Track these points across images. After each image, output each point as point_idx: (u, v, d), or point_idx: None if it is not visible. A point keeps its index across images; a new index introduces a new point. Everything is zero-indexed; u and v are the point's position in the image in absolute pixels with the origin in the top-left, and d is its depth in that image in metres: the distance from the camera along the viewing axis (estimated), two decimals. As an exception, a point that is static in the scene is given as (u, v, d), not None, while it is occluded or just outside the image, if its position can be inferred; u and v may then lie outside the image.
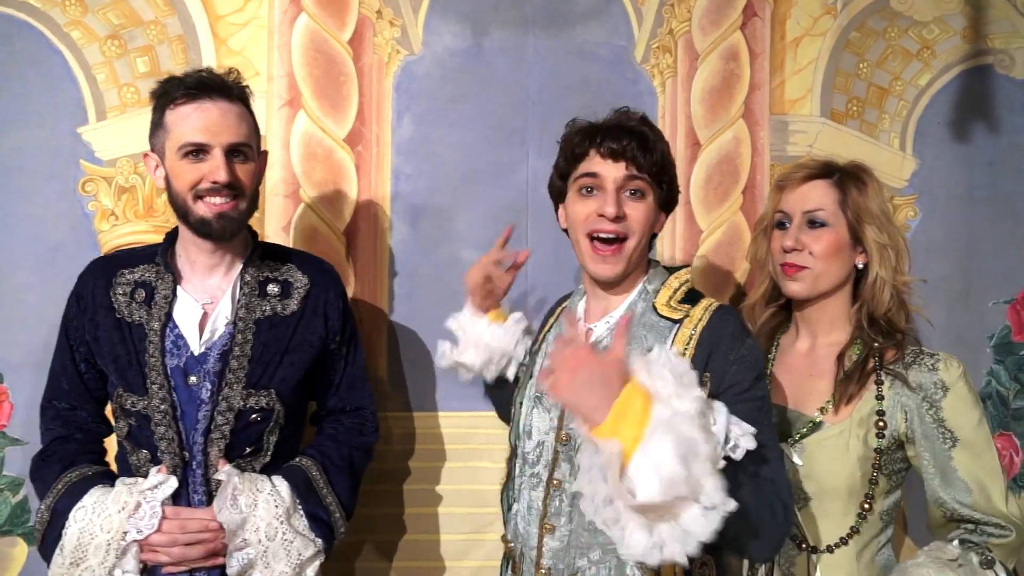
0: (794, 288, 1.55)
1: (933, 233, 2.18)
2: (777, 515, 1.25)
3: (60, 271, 1.92)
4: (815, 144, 2.16)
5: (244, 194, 1.53)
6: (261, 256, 1.64)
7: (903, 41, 2.20)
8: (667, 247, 2.13)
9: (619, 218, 1.38)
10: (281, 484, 1.53)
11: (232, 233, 1.54)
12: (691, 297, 1.43)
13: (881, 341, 1.49)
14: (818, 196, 1.53)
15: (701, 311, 1.39)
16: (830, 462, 1.44)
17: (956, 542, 1.40)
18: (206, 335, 1.55)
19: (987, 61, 2.20)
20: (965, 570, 1.36)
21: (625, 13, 2.11)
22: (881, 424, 1.44)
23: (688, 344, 1.35)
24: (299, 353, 1.62)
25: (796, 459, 1.46)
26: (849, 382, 1.47)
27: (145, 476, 1.51)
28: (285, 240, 2.01)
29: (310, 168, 2.02)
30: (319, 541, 1.53)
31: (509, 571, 1.53)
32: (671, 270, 1.51)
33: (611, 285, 1.46)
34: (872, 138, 2.19)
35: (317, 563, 1.52)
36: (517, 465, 1.52)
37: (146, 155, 1.58)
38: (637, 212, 1.40)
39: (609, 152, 1.39)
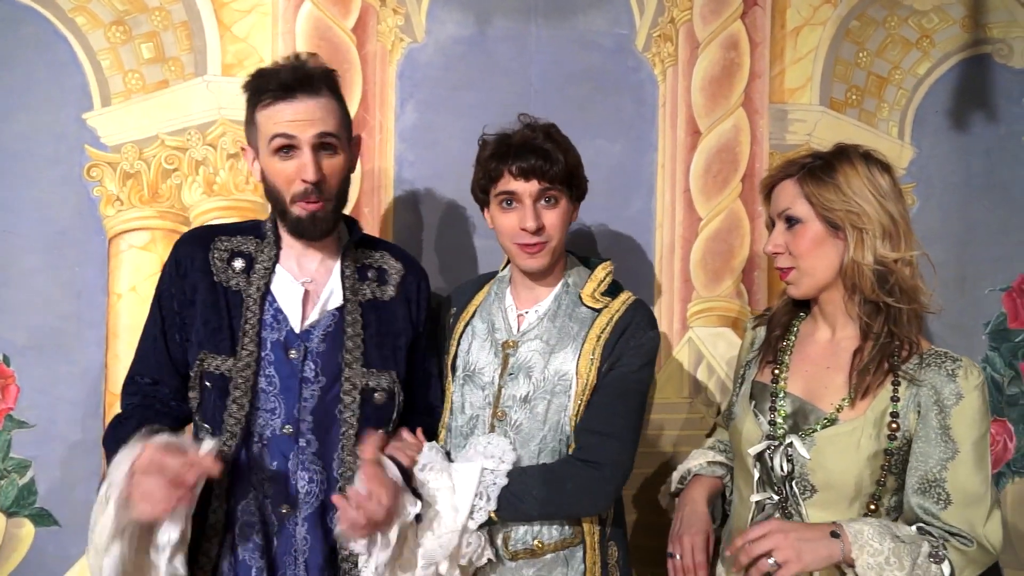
0: (792, 292, 1.55)
1: (930, 221, 2.20)
2: (585, 482, 1.52)
3: (66, 255, 1.94)
4: (814, 133, 2.18)
5: (331, 195, 1.54)
6: (356, 244, 1.67)
7: (902, 30, 2.21)
8: (667, 234, 2.15)
9: (539, 229, 1.57)
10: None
11: (324, 233, 1.57)
12: (612, 290, 1.66)
13: (883, 327, 1.45)
14: (786, 195, 1.51)
15: (620, 304, 1.63)
16: (840, 458, 1.43)
17: (914, 528, 1.39)
18: (313, 315, 1.56)
19: (985, 50, 2.22)
20: (909, 550, 1.33)
21: (627, 2, 2.12)
22: (894, 426, 1.42)
23: (604, 329, 1.59)
24: (399, 338, 1.64)
25: (804, 452, 1.45)
26: (865, 376, 1.45)
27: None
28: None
29: (314, 155, 2.03)
30: None
31: None
32: (585, 261, 1.72)
33: (539, 276, 1.64)
34: (871, 127, 2.21)
35: None
36: (444, 437, 1.66)
37: (244, 149, 1.62)
38: (553, 217, 1.59)
39: (520, 172, 1.56)
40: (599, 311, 1.62)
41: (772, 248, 1.54)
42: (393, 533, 1.41)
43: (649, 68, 2.14)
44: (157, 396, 1.58)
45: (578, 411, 1.57)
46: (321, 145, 1.51)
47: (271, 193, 1.56)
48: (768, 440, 1.50)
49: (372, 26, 2.05)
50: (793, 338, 1.60)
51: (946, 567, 1.35)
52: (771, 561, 1.31)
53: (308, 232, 1.55)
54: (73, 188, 1.95)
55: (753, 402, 1.58)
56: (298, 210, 1.53)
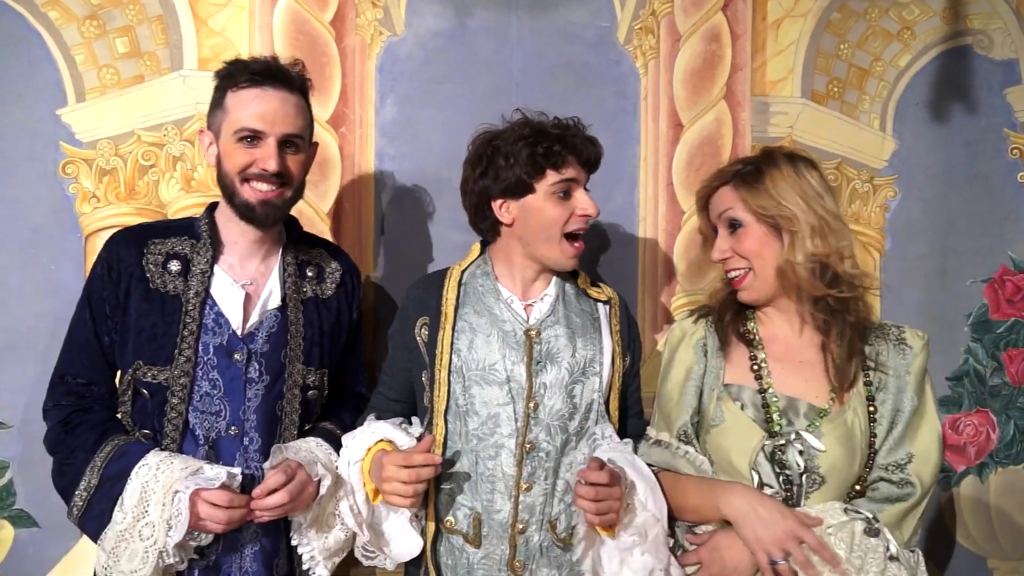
0: (744, 296, 1.56)
1: (912, 212, 2.21)
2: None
3: (40, 254, 1.92)
4: (796, 125, 2.18)
5: (291, 183, 1.57)
6: (295, 241, 1.69)
7: (883, 22, 2.21)
8: (650, 227, 2.15)
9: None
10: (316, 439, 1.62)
11: (274, 220, 1.58)
12: (592, 280, 1.72)
13: (844, 323, 1.50)
14: (725, 200, 1.54)
15: (610, 294, 1.71)
16: (841, 445, 1.46)
17: (842, 511, 1.43)
18: (254, 317, 1.57)
19: (966, 42, 2.23)
20: (843, 540, 1.39)
21: (608, -6, 2.12)
22: (872, 409, 1.49)
23: (618, 322, 1.68)
24: (339, 335, 1.70)
25: (817, 444, 1.47)
26: (845, 372, 1.49)
27: None
28: (269, 222, 2.01)
29: (293, 150, 2.01)
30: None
31: (461, 543, 1.58)
32: None
33: (547, 269, 1.64)
34: (852, 119, 2.21)
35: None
36: (447, 445, 1.58)
37: (201, 131, 1.60)
38: None
39: (585, 161, 1.58)
40: (604, 302, 1.69)
41: (719, 255, 1.56)
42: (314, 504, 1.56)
43: (631, 61, 2.13)
44: (91, 397, 1.58)
45: (608, 394, 1.64)
46: (286, 142, 1.54)
47: (224, 178, 1.55)
48: (774, 438, 1.49)
49: (351, 19, 2.03)
50: (757, 339, 1.58)
51: (883, 540, 1.40)
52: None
53: (258, 218, 1.55)
54: (48, 185, 1.92)
55: (738, 404, 1.53)
56: (249, 192, 1.53)
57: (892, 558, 1.39)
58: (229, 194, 1.55)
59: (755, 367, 1.55)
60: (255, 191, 1.53)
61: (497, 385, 1.56)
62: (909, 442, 1.48)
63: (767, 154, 1.55)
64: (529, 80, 2.08)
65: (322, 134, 2.02)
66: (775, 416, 1.50)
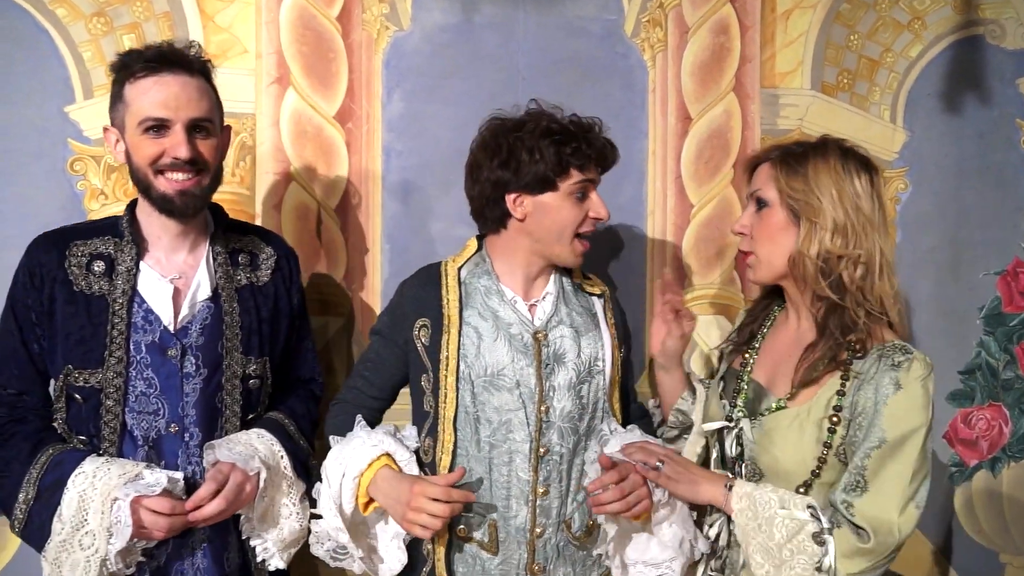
0: (750, 276, 1.56)
1: (923, 205, 2.19)
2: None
3: (51, 251, 1.92)
4: (805, 117, 2.16)
5: (207, 170, 1.51)
6: (224, 229, 1.64)
7: (894, 12, 2.19)
8: (658, 222, 2.14)
9: None
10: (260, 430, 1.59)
11: (195, 209, 1.53)
12: (581, 272, 1.72)
13: (837, 327, 1.43)
14: (761, 177, 1.51)
15: (601, 287, 1.72)
16: (784, 443, 1.44)
17: (805, 507, 1.37)
18: (185, 311, 1.54)
19: (978, 32, 2.20)
20: (787, 524, 1.35)
21: (615, -13, 2.10)
22: (835, 419, 1.41)
23: (612, 315, 1.70)
24: (279, 322, 1.67)
25: (749, 434, 1.48)
26: (811, 372, 1.44)
27: None
28: (277, 218, 2.00)
29: (300, 146, 2.01)
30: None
31: (476, 551, 1.56)
32: None
33: (549, 267, 1.64)
34: (863, 110, 2.19)
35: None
36: (457, 453, 1.56)
37: (106, 129, 1.54)
38: None
39: (606, 165, 1.60)
40: (598, 296, 1.70)
41: (739, 228, 1.55)
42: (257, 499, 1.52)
43: (638, 54, 2.12)
44: (23, 407, 1.54)
45: (610, 390, 1.65)
46: (195, 127, 1.48)
47: (136, 173, 1.50)
48: (724, 422, 1.53)
49: (357, 14, 2.02)
50: (768, 325, 1.61)
51: (826, 551, 1.34)
52: (658, 463, 1.46)
53: (178, 209, 1.50)
54: (57, 182, 1.93)
55: (722, 385, 1.61)
56: (164, 184, 1.48)
57: (819, 570, 1.34)
58: (144, 188, 1.49)
59: (746, 354, 1.59)
60: (170, 182, 1.47)
61: (507, 390, 1.54)
62: (871, 480, 1.36)
63: (823, 142, 1.49)
64: (536, 75, 2.07)
65: (329, 130, 2.02)
66: (739, 402, 1.53)
